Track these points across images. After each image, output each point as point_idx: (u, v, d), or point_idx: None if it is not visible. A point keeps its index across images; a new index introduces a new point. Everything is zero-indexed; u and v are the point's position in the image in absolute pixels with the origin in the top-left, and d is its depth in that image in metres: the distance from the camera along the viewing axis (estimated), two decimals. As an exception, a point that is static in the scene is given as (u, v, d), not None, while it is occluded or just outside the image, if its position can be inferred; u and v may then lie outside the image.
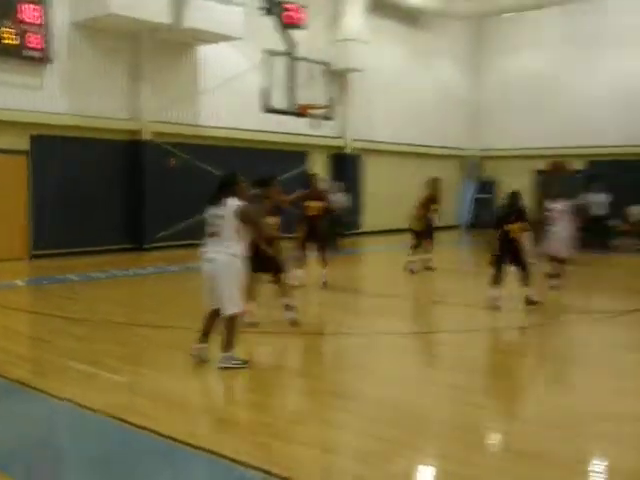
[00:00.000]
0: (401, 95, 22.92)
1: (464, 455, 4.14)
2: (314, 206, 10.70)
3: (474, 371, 6.37)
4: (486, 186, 25.71)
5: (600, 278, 13.03)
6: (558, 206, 10.51)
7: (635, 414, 4.95)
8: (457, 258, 17.44)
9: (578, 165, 22.35)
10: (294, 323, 7.65)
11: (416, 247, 12.75)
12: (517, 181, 24.39)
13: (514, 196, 9.14)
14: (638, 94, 21.71)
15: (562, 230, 10.42)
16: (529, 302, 9.12)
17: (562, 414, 4.95)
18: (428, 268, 12.94)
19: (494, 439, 4.62)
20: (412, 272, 12.48)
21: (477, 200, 25.93)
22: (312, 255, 10.77)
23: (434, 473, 4.06)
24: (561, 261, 10.63)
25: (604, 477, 3.93)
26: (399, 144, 22.75)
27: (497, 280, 8.98)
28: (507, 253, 8.93)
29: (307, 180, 12.04)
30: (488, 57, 25.90)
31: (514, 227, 8.86)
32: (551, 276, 10.58)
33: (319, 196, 10.92)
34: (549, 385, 6.06)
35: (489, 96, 25.73)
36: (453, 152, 25.39)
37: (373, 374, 6.09)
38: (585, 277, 12.32)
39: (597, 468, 4.07)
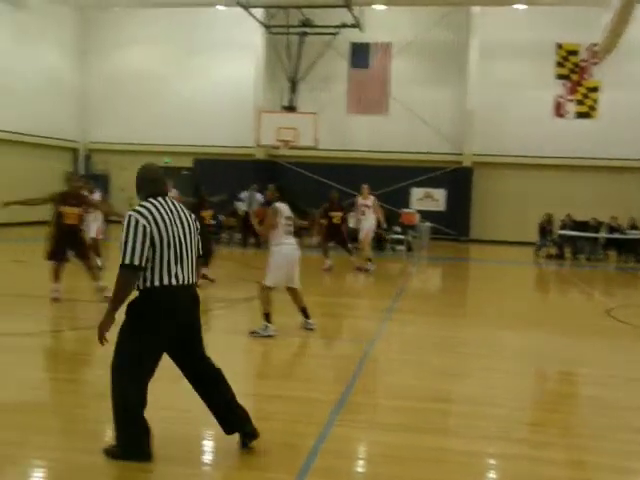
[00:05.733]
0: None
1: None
2: None
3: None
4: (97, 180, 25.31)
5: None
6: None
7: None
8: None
9: (186, 163, 23.72)
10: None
11: None
12: (130, 176, 24.61)
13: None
14: (243, 99, 23.62)
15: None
16: None
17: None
18: None
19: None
20: None
21: (88, 195, 25.36)
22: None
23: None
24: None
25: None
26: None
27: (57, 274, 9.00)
28: None
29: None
30: (98, 47, 24.80)
31: None
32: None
33: None
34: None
35: (99, 87, 24.88)
36: (62, 143, 24.31)
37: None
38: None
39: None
